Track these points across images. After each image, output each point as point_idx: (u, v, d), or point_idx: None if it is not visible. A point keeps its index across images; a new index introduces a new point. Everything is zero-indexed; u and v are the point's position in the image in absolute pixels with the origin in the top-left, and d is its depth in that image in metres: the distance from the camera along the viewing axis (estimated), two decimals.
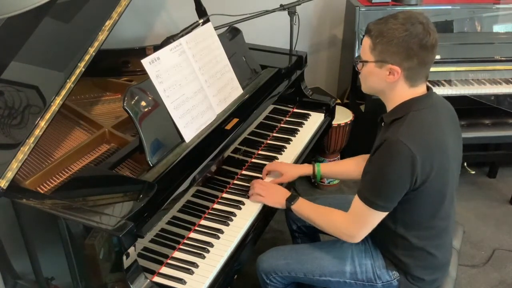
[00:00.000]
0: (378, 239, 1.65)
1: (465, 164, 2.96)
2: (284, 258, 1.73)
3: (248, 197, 1.80)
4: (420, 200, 1.46)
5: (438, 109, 1.51)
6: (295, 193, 1.77)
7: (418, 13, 1.42)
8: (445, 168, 1.46)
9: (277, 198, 1.75)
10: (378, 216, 1.48)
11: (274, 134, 2.23)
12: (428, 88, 1.51)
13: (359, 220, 1.51)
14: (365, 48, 1.47)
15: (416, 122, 1.43)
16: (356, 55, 2.84)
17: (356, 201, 1.49)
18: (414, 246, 1.55)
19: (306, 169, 1.92)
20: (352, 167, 1.89)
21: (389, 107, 1.52)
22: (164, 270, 1.51)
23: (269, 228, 2.59)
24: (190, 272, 1.50)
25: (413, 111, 1.44)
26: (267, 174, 1.92)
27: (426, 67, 1.45)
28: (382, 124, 1.56)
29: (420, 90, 1.48)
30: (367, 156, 1.83)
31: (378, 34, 1.42)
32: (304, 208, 1.69)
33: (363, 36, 1.49)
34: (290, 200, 1.71)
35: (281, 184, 1.87)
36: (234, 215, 1.73)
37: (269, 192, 1.77)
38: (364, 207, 1.46)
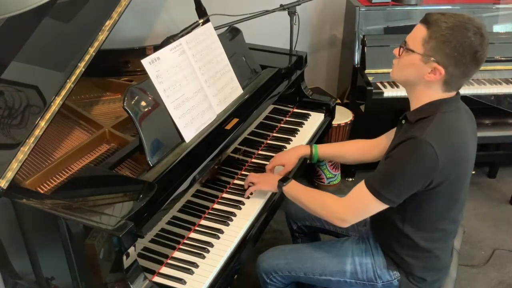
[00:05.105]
0: (383, 236, 1.65)
1: None
2: (285, 257, 1.73)
3: (248, 197, 1.81)
4: (432, 202, 1.46)
5: (462, 113, 1.49)
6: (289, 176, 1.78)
7: (481, 24, 1.36)
8: (463, 173, 1.45)
9: (270, 181, 1.76)
10: (379, 207, 1.46)
11: (274, 134, 2.23)
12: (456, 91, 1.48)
13: (357, 206, 1.50)
14: (417, 37, 1.39)
15: (444, 125, 1.40)
16: (356, 55, 2.85)
17: (360, 188, 1.47)
18: (420, 247, 1.54)
19: (304, 150, 1.92)
20: (350, 150, 1.89)
21: (415, 104, 1.48)
22: (164, 270, 1.51)
23: (269, 228, 2.59)
24: (190, 272, 1.50)
25: (440, 112, 1.41)
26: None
27: (466, 79, 1.42)
28: (403, 122, 1.53)
29: (450, 93, 1.45)
30: (367, 141, 1.83)
31: (438, 29, 1.35)
32: (296, 190, 1.69)
33: (420, 22, 1.40)
34: (283, 181, 1.71)
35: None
36: (234, 215, 1.73)
37: (261, 178, 1.79)
38: (369, 195, 1.44)
